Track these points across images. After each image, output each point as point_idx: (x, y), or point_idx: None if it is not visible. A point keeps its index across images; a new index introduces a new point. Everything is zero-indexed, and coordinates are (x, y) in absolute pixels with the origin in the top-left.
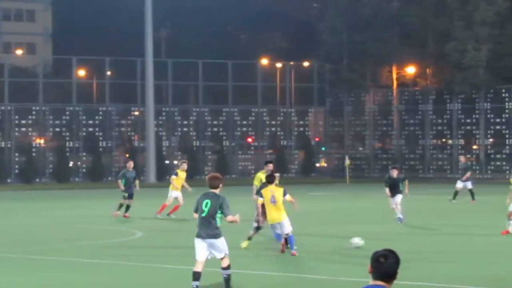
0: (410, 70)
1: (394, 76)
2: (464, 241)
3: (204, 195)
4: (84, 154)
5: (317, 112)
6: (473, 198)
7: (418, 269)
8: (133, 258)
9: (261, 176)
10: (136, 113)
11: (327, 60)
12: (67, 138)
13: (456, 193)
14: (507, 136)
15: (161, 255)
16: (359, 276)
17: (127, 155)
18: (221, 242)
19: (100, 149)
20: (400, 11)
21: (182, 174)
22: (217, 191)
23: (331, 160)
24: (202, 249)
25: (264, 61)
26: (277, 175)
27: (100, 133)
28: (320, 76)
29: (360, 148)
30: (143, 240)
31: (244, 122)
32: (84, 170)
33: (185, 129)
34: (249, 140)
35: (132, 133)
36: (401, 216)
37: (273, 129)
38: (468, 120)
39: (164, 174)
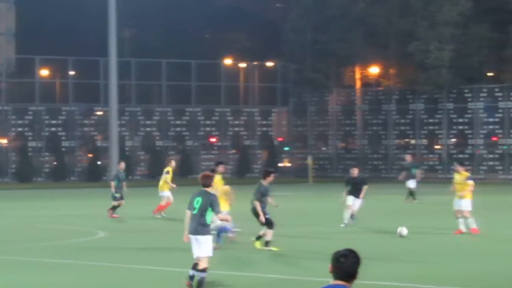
0: (374, 70)
1: (358, 76)
2: (427, 241)
3: (196, 193)
4: (47, 154)
5: (280, 112)
6: (411, 197)
7: (380, 269)
8: (97, 258)
9: (218, 179)
10: (99, 113)
11: (290, 60)
12: (30, 138)
13: (411, 193)
14: (469, 136)
15: (124, 255)
16: (321, 276)
17: (89, 155)
18: (205, 240)
19: (63, 149)
20: (364, 12)
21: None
22: (209, 189)
23: (294, 160)
24: (194, 245)
25: (228, 61)
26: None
27: (63, 133)
28: (284, 76)
29: (323, 148)
30: (106, 240)
31: (208, 122)
32: (47, 170)
33: (148, 128)
34: (213, 140)
35: (95, 133)
36: (346, 222)
37: (237, 129)
38: (431, 120)
39: (127, 174)
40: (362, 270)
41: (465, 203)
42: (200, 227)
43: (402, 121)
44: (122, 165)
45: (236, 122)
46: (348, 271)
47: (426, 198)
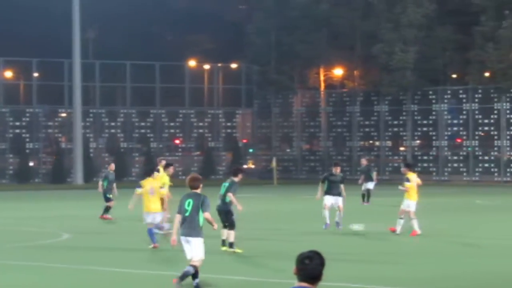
0: (338, 72)
1: (322, 78)
2: (390, 243)
3: (186, 195)
4: (11, 155)
5: (245, 114)
6: (367, 200)
7: (345, 270)
8: (62, 259)
9: (165, 179)
10: (64, 114)
11: (255, 62)
12: None
13: (368, 195)
14: (434, 138)
15: (88, 256)
16: (287, 277)
17: (55, 157)
18: (197, 242)
19: (27, 151)
20: (328, 13)
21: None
22: (198, 191)
23: (259, 162)
24: (187, 248)
25: (192, 63)
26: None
27: (27, 135)
28: (248, 78)
29: (288, 150)
30: (71, 242)
31: (172, 124)
32: (10, 171)
33: (113, 130)
34: (177, 141)
35: (60, 135)
36: (327, 221)
37: (201, 130)
38: (395, 122)
39: (91, 175)
40: (327, 272)
41: (407, 204)
42: (193, 230)
43: (367, 123)
44: (113, 166)
45: (201, 124)
46: (313, 273)
47: (387, 200)
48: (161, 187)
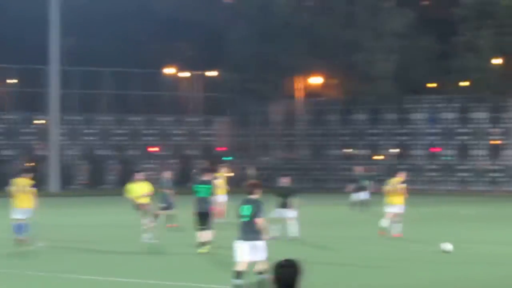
0: (317, 80)
1: (301, 86)
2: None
3: (244, 200)
4: None
5: (223, 122)
6: (364, 208)
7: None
8: (35, 267)
9: (134, 187)
10: (40, 121)
11: (234, 70)
12: None
13: (358, 203)
14: (411, 147)
15: (54, 264)
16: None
17: (29, 164)
18: (261, 245)
19: (4, 158)
20: (309, 22)
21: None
22: (255, 196)
23: (236, 170)
24: (248, 251)
25: (171, 71)
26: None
27: (4, 142)
28: (227, 86)
29: (266, 158)
30: (40, 249)
31: (150, 131)
32: None
33: (90, 138)
34: (154, 149)
35: (36, 142)
36: (276, 234)
37: (179, 138)
38: (373, 131)
39: (67, 182)
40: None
41: (392, 207)
42: (254, 233)
43: (345, 131)
44: (168, 173)
45: (179, 131)
46: (288, 282)
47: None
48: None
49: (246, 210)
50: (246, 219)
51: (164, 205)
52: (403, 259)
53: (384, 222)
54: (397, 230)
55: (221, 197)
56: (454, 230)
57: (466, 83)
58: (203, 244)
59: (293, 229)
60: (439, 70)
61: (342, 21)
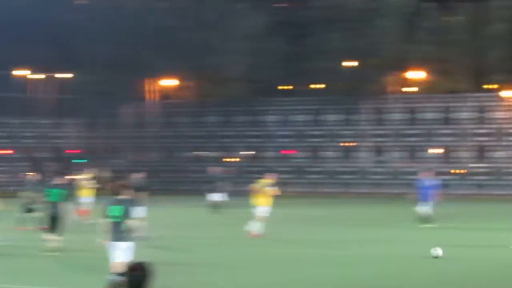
0: (169, 82)
1: (154, 88)
2: (217, 251)
3: (111, 201)
4: None
5: (75, 124)
6: (219, 211)
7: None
8: None
9: None
10: None
11: (85, 72)
12: None
13: (216, 206)
14: (264, 149)
15: None
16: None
17: None
18: (130, 246)
19: None
20: (161, 24)
21: None
22: (125, 197)
23: (91, 173)
24: (116, 252)
25: (21, 72)
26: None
27: None
28: (80, 88)
29: (117, 161)
30: None
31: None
32: None
33: None
34: (5, 152)
35: None
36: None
37: (29, 141)
38: (226, 133)
39: None
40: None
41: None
42: (125, 233)
43: (197, 133)
44: (34, 176)
45: (29, 134)
46: (136, 285)
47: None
48: None
49: (117, 210)
50: (116, 220)
51: (29, 207)
52: (257, 260)
53: (254, 224)
54: (259, 230)
55: (86, 199)
56: (305, 232)
57: (319, 86)
58: (53, 247)
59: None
60: (291, 72)
61: (195, 23)
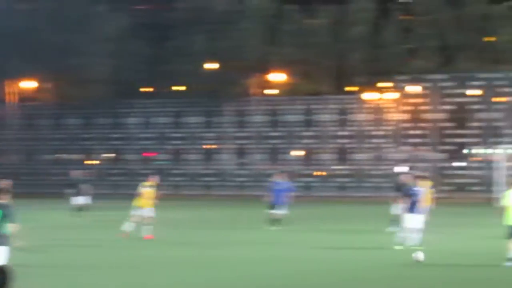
0: (29, 84)
1: (13, 90)
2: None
3: None
4: None
5: None
6: (83, 214)
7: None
8: None
9: None
10: None
11: None
12: None
13: (80, 209)
14: (125, 151)
15: None
16: None
17: None
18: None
19: None
20: (20, 25)
21: None
22: (3, 201)
23: None
24: None
25: None
26: None
27: None
28: None
29: None
30: None
31: None
32: None
33: None
34: None
35: None
36: None
37: None
38: (87, 135)
39: None
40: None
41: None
42: (2, 238)
43: (57, 136)
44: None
45: None
46: None
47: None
48: None
49: None
50: None
51: None
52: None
53: (128, 226)
54: (147, 232)
55: None
56: (166, 233)
57: (181, 88)
58: None
59: None
60: (153, 74)
61: (55, 24)
